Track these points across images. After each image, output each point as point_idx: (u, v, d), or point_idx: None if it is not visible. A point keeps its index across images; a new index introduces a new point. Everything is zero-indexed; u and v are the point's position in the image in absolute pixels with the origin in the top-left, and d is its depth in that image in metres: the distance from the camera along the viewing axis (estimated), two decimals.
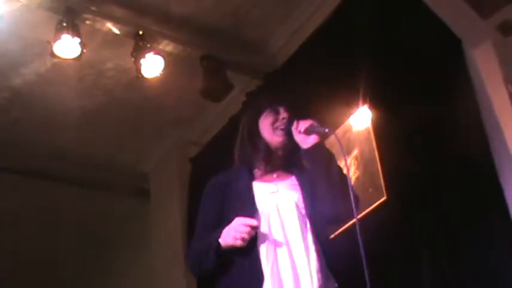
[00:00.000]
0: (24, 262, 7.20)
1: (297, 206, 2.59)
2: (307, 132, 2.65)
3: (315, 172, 2.63)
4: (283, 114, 2.77)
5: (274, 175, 2.73)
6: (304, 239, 2.51)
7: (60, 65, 5.11)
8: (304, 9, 5.17)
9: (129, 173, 6.74)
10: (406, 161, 4.04)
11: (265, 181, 2.70)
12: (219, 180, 2.79)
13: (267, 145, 2.75)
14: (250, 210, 2.57)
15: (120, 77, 5.42)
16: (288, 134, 2.71)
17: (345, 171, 2.75)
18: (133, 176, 6.76)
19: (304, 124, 2.66)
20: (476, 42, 3.83)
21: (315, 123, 2.67)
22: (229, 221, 2.52)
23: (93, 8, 4.71)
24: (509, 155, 3.59)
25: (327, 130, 2.70)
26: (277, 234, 2.53)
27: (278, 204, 2.59)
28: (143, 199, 6.72)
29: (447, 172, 3.84)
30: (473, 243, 3.61)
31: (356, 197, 2.56)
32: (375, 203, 4.18)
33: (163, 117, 6.01)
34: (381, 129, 4.27)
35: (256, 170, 2.77)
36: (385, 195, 4.14)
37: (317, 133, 2.67)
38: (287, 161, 2.78)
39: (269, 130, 2.75)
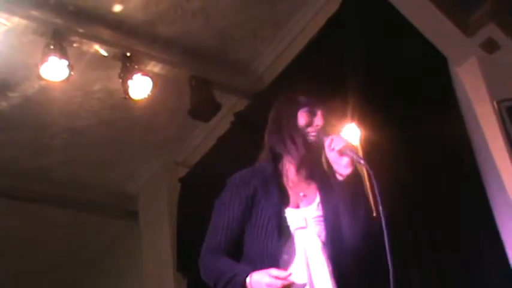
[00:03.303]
0: (11, 284, 7.14)
1: (323, 248, 2.47)
2: (341, 153, 2.47)
3: (344, 203, 2.51)
4: (318, 120, 2.62)
5: (301, 193, 2.59)
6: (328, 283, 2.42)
7: (47, 88, 5.10)
8: (290, 30, 5.21)
9: (117, 194, 6.72)
10: (394, 178, 4.05)
11: (293, 205, 2.55)
12: (242, 178, 2.62)
13: (305, 139, 2.59)
14: (277, 250, 2.44)
15: (108, 98, 5.41)
16: (318, 143, 2.56)
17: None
18: (122, 197, 6.74)
19: (339, 143, 2.48)
20: (461, 59, 3.87)
21: (349, 145, 2.49)
22: (252, 244, 2.47)
23: (80, 30, 4.72)
24: (496, 171, 3.62)
25: (362, 162, 2.51)
26: (302, 279, 2.41)
27: (306, 247, 2.47)
28: (132, 220, 6.70)
29: (436, 190, 3.86)
30: (462, 261, 3.62)
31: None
32: None
33: (151, 138, 6.00)
34: (370, 146, 4.28)
35: (285, 167, 2.65)
36: (374, 212, 4.14)
37: (350, 157, 2.49)
38: (311, 170, 2.64)
39: (303, 132, 2.60)
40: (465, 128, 3.82)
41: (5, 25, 4.53)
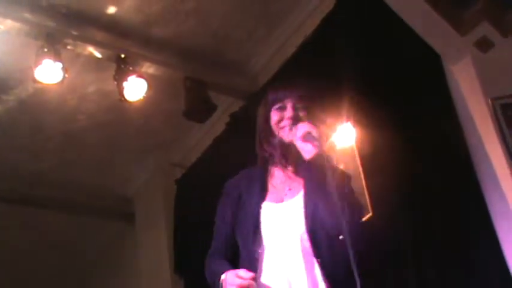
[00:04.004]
0: None
1: (304, 240, 2.47)
2: (304, 139, 2.51)
3: (315, 187, 2.53)
4: (288, 112, 2.66)
5: (287, 187, 2.62)
6: (310, 276, 2.41)
7: (42, 91, 5.10)
8: (284, 29, 5.21)
9: (114, 197, 6.72)
10: (390, 177, 4.06)
11: (275, 200, 2.58)
12: (232, 183, 2.73)
13: (281, 142, 2.64)
14: (254, 243, 2.50)
15: (103, 100, 5.41)
16: (292, 136, 2.58)
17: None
18: (118, 199, 6.73)
19: (301, 130, 2.52)
20: (455, 58, 3.88)
21: (313, 131, 2.51)
22: (240, 245, 2.54)
23: (74, 33, 4.71)
24: (492, 169, 3.62)
25: (322, 148, 2.50)
26: (279, 272, 2.45)
27: (283, 239, 2.48)
28: (128, 223, 6.69)
29: (431, 188, 3.86)
30: (459, 262, 3.63)
31: (359, 206, 2.53)
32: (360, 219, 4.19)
33: (146, 140, 6.00)
34: (365, 146, 4.28)
35: (272, 168, 2.69)
36: (370, 211, 4.15)
37: (311, 142, 2.50)
38: (296, 163, 2.65)
39: (276, 130, 2.65)
40: (460, 126, 3.83)
41: None
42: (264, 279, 2.45)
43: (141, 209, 6.59)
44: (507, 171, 3.55)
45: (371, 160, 4.24)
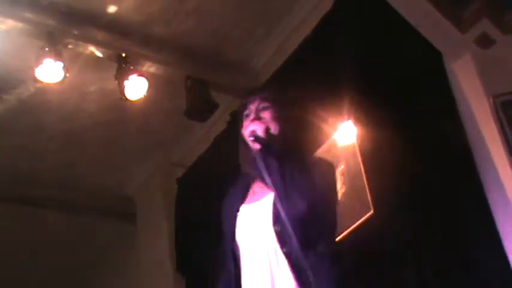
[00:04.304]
0: None
1: (271, 234, 2.56)
2: (250, 138, 2.70)
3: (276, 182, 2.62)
4: (251, 116, 2.79)
5: (262, 187, 2.71)
6: (278, 268, 2.50)
7: (43, 90, 5.10)
8: (284, 28, 5.22)
9: (114, 196, 6.72)
10: (391, 175, 4.06)
11: (252, 200, 2.69)
12: (229, 192, 2.89)
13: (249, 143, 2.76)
14: (233, 244, 2.63)
15: (104, 99, 5.41)
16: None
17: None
18: (118, 198, 6.73)
19: (248, 129, 2.72)
20: (456, 55, 3.87)
21: (258, 129, 2.67)
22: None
23: (75, 32, 4.72)
24: (493, 166, 3.62)
25: (251, 146, 2.68)
26: (253, 267, 2.56)
27: (255, 236, 2.59)
28: (128, 222, 6.70)
29: (432, 187, 3.86)
30: (460, 261, 3.63)
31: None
32: (362, 217, 4.19)
33: (147, 139, 6.00)
34: (366, 144, 4.28)
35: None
36: (372, 209, 4.15)
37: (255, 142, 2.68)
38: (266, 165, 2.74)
39: (245, 135, 2.78)
40: (461, 123, 3.83)
41: (0, 28, 4.52)
42: (243, 276, 2.57)
43: (142, 208, 6.59)
44: (509, 169, 3.55)
45: (372, 158, 4.24)
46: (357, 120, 4.36)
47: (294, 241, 2.46)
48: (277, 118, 2.75)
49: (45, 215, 6.45)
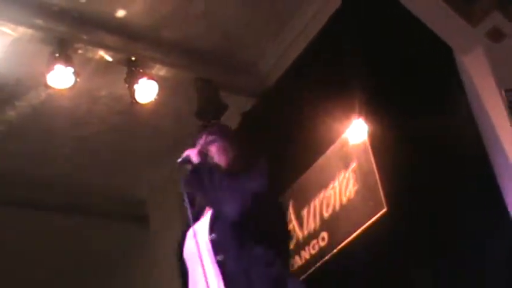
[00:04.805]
0: None
1: (208, 250, 2.60)
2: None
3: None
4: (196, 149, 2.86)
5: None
6: (210, 276, 2.54)
7: (54, 96, 5.12)
8: (292, 28, 5.22)
9: (126, 200, 6.73)
10: (404, 171, 4.05)
11: (199, 219, 2.76)
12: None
13: None
14: (182, 260, 2.72)
15: (115, 103, 5.43)
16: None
17: None
18: (130, 202, 6.75)
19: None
20: (467, 49, 3.87)
21: (191, 154, 2.75)
22: None
23: (85, 37, 4.74)
24: (507, 161, 3.61)
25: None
26: (198, 279, 2.60)
27: (195, 250, 2.63)
28: (141, 225, 6.71)
29: (445, 181, 3.85)
30: (473, 254, 3.62)
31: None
32: (375, 215, 4.20)
33: (159, 142, 6.01)
34: (378, 141, 4.29)
35: None
36: (385, 207, 4.15)
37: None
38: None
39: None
40: (473, 118, 3.82)
41: (11, 35, 4.55)
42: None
43: (155, 211, 6.59)
44: None
45: (384, 155, 4.24)
46: (368, 118, 4.36)
47: (230, 247, 2.52)
48: (222, 150, 2.82)
49: (58, 219, 6.46)
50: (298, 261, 4.75)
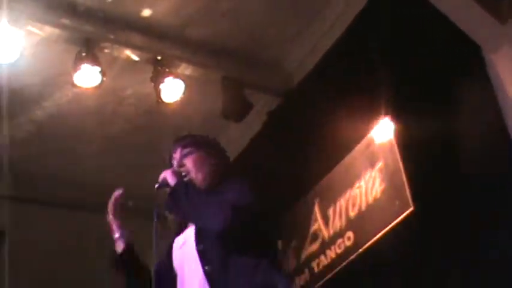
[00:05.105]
0: None
1: (197, 260, 2.59)
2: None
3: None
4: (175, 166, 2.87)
5: None
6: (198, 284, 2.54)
7: (80, 95, 5.17)
8: (318, 26, 5.20)
9: (153, 199, 6.73)
10: (430, 170, 4.03)
11: (183, 231, 2.76)
12: None
13: None
14: (172, 270, 2.70)
15: (141, 103, 5.45)
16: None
17: None
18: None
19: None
20: (495, 47, 3.82)
21: (166, 174, 2.75)
22: None
23: (111, 37, 4.77)
24: None
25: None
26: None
27: (185, 260, 2.64)
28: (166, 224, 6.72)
29: (472, 180, 3.82)
30: (501, 252, 3.58)
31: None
32: (402, 214, 4.17)
33: None
34: (404, 140, 4.26)
35: None
36: (411, 206, 4.12)
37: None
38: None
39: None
40: (502, 116, 3.77)
41: (38, 35, 4.59)
42: None
43: None
44: None
45: (411, 154, 4.21)
46: (394, 117, 4.34)
47: (217, 258, 2.51)
48: (198, 161, 2.81)
49: (84, 218, 6.49)
50: (323, 260, 4.74)
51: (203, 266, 2.52)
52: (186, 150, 2.85)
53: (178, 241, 2.73)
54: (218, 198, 2.55)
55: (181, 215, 2.72)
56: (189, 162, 2.80)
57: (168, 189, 2.70)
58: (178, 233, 2.77)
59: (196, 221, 2.63)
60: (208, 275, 2.50)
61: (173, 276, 2.69)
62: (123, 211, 2.73)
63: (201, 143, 2.92)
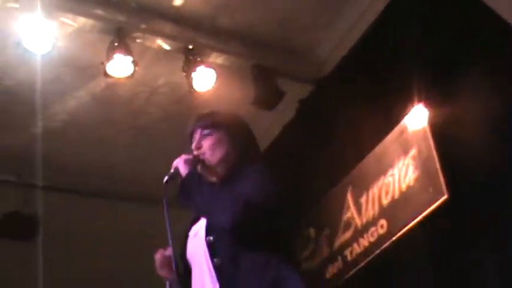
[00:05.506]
0: (85, 282, 7.27)
1: (206, 252, 2.51)
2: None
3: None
4: (193, 147, 2.76)
5: None
6: (207, 277, 2.48)
7: (113, 85, 5.22)
8: (348, 14, 5.17)
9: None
10: (465, 158, 3.99)
11: (200, 219, 2.69)
12: None
13: None
14: (185, 260, 2.65)
15: (173, 92, 5.47)
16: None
17: None
18: None
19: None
20: None
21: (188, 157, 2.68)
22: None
23: (143, 26, 4.79)
24: None
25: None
26: (200, 283, 2.53)
27: (196, 251, 2.57)
28: None
29: (507, 167, 3.77)
30: None
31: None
32: (435, 202, 4.14)
33: None
34: (438, 127, 4.22)
35: None
36: (445, 194, 4.09)
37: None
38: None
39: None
40: None
41: (72, 26, 4.64)
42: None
43: None
44: None
45: (445, 141, 4.18)
46: (428, 103, 4.30)
47: (226, 251, 2.43)
48: (216, 143, 2.69)
49: (117, 207, 6.56)
50: (356, 248, 4.73)
51: (212, 258, 2.45)
52: (205, 132, 2.72)
53: (193, 230, 2.65)
54: (230, 192, 2.44)
55: (191, 207, 2.58)
56: (206, 144, 2.69)
57: (179, 180, 2.62)
58: (195, 221, 2.68)
59: (205, 215, 2.54)
60: (217, 267, 2.43)
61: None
62: (170, 265, 2.64)
63: (221, 124, 2.75)
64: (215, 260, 2.44)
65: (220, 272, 2.42)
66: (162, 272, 2.67)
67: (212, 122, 2.75)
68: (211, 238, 2.47)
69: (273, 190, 2.48)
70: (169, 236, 2.58)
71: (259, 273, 2.36)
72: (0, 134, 5.65)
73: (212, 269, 2.44)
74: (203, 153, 2.67)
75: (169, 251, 2.63)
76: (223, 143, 2.68)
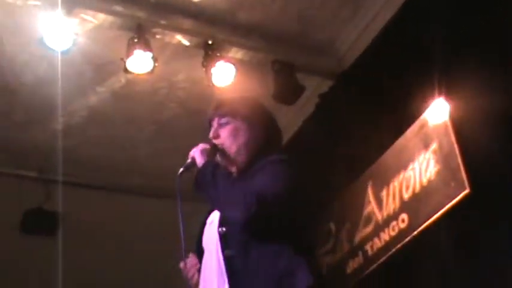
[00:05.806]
0: (107, 276, 7.32)
1: (218, 242, 2.48)
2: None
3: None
4: (211, 136, 2.74)
5: None
6: (217, 270, 2.45)
7: (133, 81, 5.24)
8: (369, 8, 5.13)
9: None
10: (487, 152, 3.95)
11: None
12: None
13: None
14: (198, 248, 2.63)
15: (193, 87, 5.48)
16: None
17: None
18: None
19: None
20: None
21: (205, 147, 2.64)
22: None
23: (162, 22, 4.80)
24: None
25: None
26: (208, 272, 2.51)
27: (209, 240, 2.54)
28: None
29: None
30: None
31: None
32: (457, 196, 4.11)
33: None
34: (459, 121, 4.19)
35: None
36: (467, 188, 4.06)
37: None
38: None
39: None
40: None
41: (92, 22, 4.66)
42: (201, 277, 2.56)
43: None
44: None
45: (466, 135, 4.14)
46: (449, 97, 4.27)
47: (238, 243, 2.39)
48: (234, 132, 2.64)
49: (138, 202, 6.58)
50: (377, 242, 4.72)
51: (223, 249, 2.41)
52: (223, 120, 2.66)
53: (210, 217, 2.61)
54: (245, 186, 2.39)
55: (206, 198, 2.53)
56: (223, 133, 2.64)
57: (195, 170, 2.58)
58: (212, 210, 2.63)
59: (219, 208, 2.50)
60: (227, 259, 2.39)
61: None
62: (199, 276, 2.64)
63: (239, 112, 2.68)
64: (226, 251, 2.40)
65: (230, 263, 2.38)
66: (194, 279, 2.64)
67: (230, 109, 2.69)
68: (224, 229, 2.43)
69: (290, 184, 2.42)
70: (181, 228, 2.56)
71: (270, 265, 2.32)
72: (22, 130, 5.71)
73: (222, 260, 2.41)
74: (222, 143, 2.63)
75: (191, 259, 2.64)
76: (242, 132, 2.63)
